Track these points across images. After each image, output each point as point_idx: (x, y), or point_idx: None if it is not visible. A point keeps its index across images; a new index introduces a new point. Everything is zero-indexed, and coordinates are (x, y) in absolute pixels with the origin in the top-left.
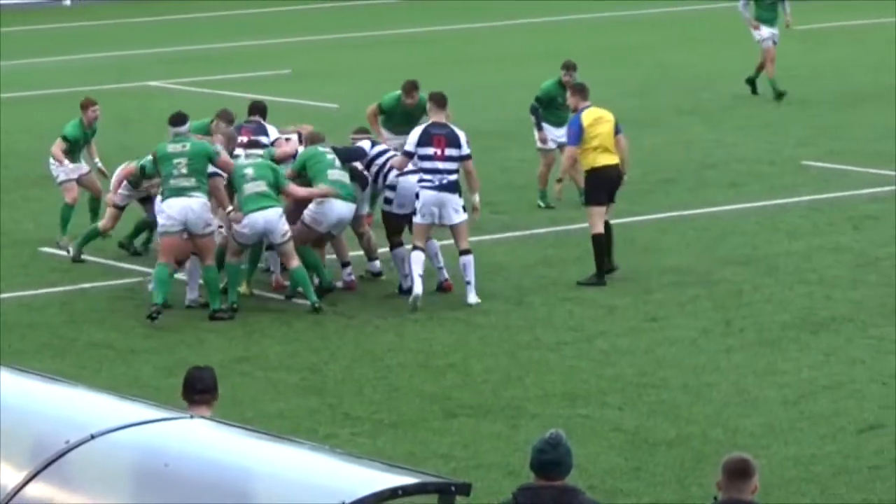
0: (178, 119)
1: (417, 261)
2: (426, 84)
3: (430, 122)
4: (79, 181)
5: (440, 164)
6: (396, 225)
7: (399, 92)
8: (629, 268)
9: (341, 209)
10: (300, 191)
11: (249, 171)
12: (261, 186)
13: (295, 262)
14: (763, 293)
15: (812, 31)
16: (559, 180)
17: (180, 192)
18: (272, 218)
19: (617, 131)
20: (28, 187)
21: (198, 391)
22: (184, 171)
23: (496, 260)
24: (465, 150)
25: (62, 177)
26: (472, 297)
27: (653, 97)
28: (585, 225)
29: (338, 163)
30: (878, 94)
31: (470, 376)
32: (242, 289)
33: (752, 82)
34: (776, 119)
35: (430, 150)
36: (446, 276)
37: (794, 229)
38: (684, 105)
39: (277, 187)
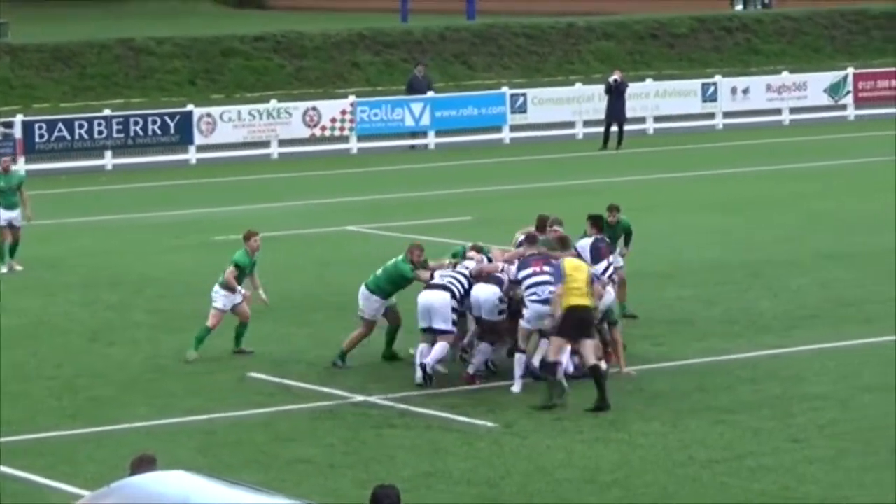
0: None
1: (520, 362)
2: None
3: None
4: (232, 310)
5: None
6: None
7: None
8: (774, 395)
9: None
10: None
11: None
12: None
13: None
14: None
15: None
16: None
17: None
18: None
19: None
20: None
21: None
22: None
23: (656, 387)
24: None
25: (220, 304)
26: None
27: (801, 242)
28: (735, 356)
29: None
30: None
31: (631, 491)
32: None
33: None
34: None
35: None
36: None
37: None
38: (828, 250)
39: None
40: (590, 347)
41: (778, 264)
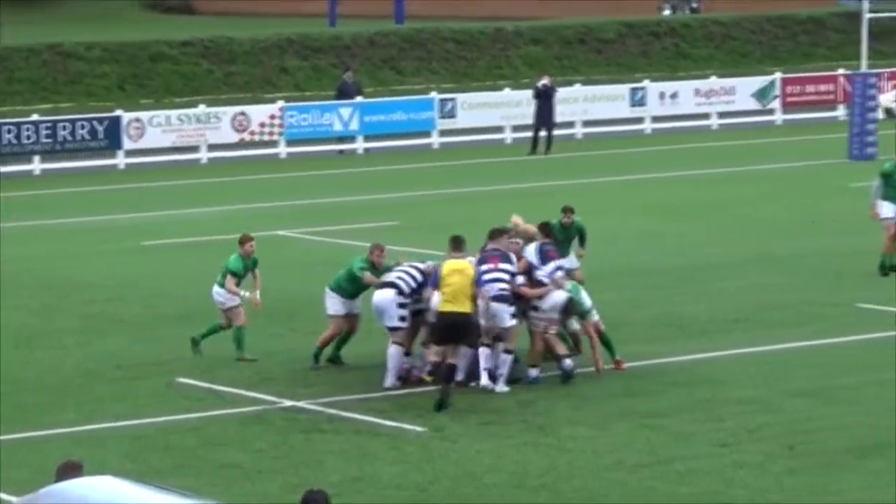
0: None
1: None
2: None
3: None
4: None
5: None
6: None
7: None
8: (704, 398)
9: None
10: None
11: None
12: None
13: None
14: (824, 421)
15: None
16: None
17: None
18: None
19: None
20: (170, 325)
21: None
22: None
23: (585, 391)
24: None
25: (230, 304)
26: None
27: (730, 245)
28: (663, 360)
29: None
30: None
31: (560, 495)
32: None
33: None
34: (842, 267)
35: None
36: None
37: (849, 365)
38: (757, 253)
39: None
40: (458, 353)
41: (707, 268)
